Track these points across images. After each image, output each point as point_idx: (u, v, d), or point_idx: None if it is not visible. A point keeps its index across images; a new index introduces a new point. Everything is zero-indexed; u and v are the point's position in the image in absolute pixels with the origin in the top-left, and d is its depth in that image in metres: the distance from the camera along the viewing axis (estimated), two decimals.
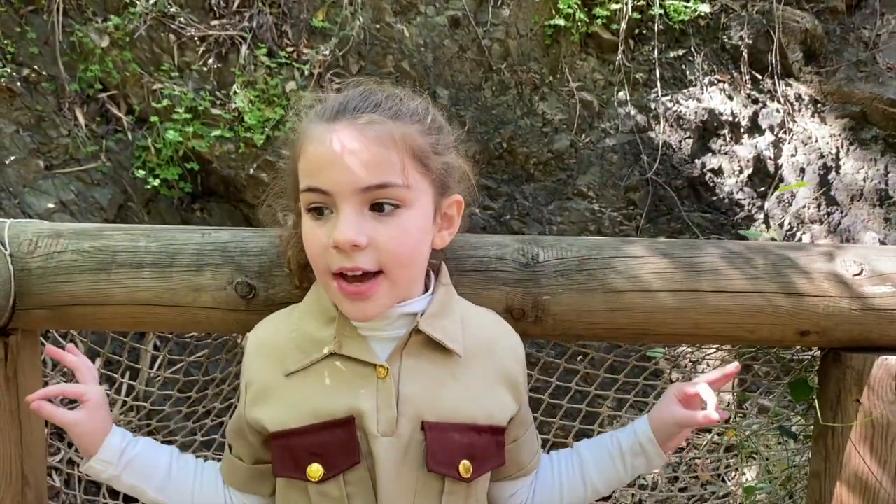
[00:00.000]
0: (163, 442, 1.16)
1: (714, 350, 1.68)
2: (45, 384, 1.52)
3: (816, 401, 1.34)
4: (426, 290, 1.07)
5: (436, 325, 1.02)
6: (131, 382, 1.91)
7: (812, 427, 1.40)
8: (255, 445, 1.07)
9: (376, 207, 0.96)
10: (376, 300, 0.98)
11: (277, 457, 1.02)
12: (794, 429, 1.75)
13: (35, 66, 3.43)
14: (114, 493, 2.16)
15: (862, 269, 1.24)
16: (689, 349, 1.77)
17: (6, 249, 1.20)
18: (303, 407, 1.00)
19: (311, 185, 0.97)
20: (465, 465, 1.00)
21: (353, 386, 1.00)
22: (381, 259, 0.96)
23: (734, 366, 1.14)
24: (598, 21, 4.05)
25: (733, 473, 2.99)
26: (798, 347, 1.42)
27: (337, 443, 0.98)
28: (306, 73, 3.67)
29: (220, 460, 1.17)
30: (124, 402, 1.90)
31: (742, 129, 4.18)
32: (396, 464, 0.98)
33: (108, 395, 2.18)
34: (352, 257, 0.94)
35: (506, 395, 1.07)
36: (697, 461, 3.02)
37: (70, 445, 2.44)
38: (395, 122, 0.98)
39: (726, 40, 4.28)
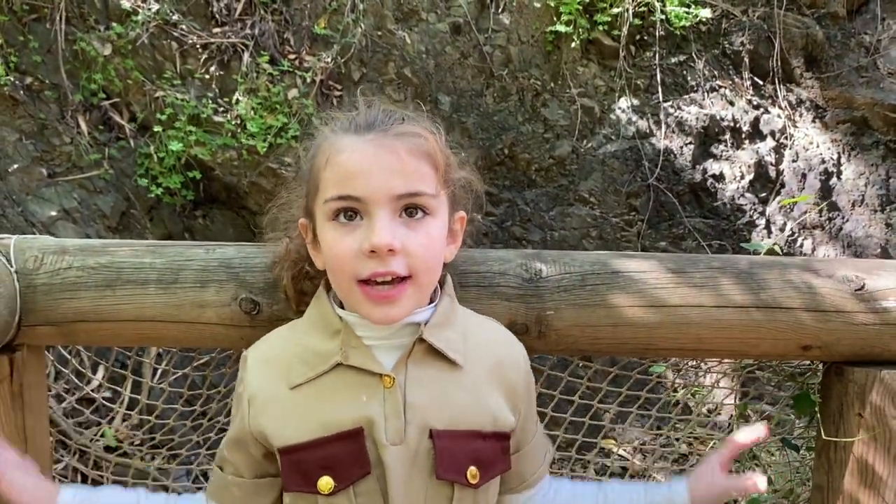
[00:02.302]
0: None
1: (717, 363, 1.69)
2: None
3: (819, 415, 1.34)
4: (431, 301, 1.08)
5: (439, 335, 1.03)
6: (135, 395, 1.92)
7: (815, 437, 1.41)
8: (258, 458, 1.06)
9: (407, 214, 0.99)
10: (402, 304, 0.99)
11: (286, 472, 1.02)
12: (799, 439, 1.75)
13: (38, 75, 3.44)
14: None
15: (864, 284, 1.25)
16: (691, 361, 1.78)
17: (12, 266, 1.20)
18: (310, 420, 1.01)
19: (343, 194, 0.98)
20: (472, 472, 1.01)
21: (360, 396, 1.00)
22: (412, 264, 0.98)
23: (763, 431, 1.17)
24: (600, 27, 4.05)
25: None
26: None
27: (347, 454, 0.99)
28: (308, 80, 3.68)
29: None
30: (128, 416, 1.89)
31: (743, 135, 4.18)
32: (406, 472, 0.99)
33: (112, 409, 2.19)
34: (386, 261, 0.96)
35: (506, 404, 1.07)
36: None
37: (73, 453, 2.44)
38: (422, 136, 1.01)
39: (727, 46, 4.28)
